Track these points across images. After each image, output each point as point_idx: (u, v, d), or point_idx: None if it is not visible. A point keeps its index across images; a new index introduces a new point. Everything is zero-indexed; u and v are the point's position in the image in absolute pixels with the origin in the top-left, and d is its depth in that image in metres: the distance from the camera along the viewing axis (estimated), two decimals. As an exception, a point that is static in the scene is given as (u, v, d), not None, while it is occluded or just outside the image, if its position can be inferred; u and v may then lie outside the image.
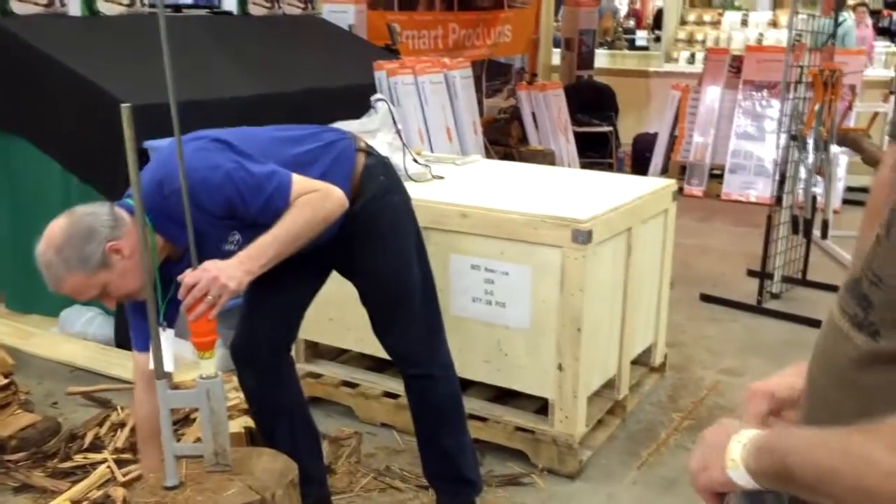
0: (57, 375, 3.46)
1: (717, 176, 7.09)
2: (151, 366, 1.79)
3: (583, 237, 2.59)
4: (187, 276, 1.78)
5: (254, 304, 2.28)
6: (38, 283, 3.87)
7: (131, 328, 2.09)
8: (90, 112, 3.53)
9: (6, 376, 2.90)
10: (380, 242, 2.22)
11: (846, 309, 0.90)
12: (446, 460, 2.43)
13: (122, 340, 3.59)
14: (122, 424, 2.99)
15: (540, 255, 2.68)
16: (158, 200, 1.87)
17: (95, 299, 1.95)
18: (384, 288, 2.26)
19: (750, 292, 4.47)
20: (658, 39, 11.11)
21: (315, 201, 1.94)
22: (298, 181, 1.96)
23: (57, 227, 1.89)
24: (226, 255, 1.93)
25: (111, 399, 3.21)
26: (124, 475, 2.65)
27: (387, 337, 2.34)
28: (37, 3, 4.03)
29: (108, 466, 2.71)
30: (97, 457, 2.79)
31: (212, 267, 1.79)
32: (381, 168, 2.23)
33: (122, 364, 3.45)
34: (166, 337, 1.90)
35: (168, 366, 1.85)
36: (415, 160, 3.17)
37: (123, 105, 1.71)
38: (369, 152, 2.23)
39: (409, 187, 3.00)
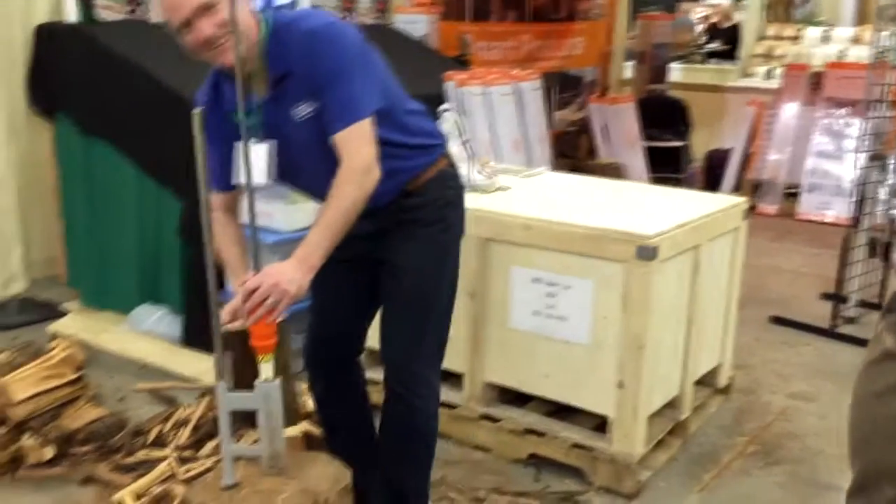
0: (126, 371, 3.55)
1: (791, 195, 6.89)
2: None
3: (648, 253, 2.54)
4: (249, 281, 1.81)
5: (319, 313, 2.29)
6: (111, 280, 4.02)
7: (209, 168, 1.97)
8: (168, 117, 3.62)
9: (77, 370, 2.98)
10: (423, 241, 2.15)
11: None
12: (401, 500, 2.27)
13: (190, 339, 3.68)
14: (186, 422, 3.04)
15: (603, 270, 2.64)
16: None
17: (189, 24, 1.86)
18: (411, 284, 2.13)
19: (823, 316, 4.33)
20: (722, 55, 10.74)
21: (356, 178, 1.90)
22: (365, 127, 1.92)
23: None
24: (293, 123, 1.96)
25: (176, 397, 3.28)
26: (185, 472, 2.69)
27: (392, 342, 2.16)
28: (121, 10, 4.16)
29: (170, 463, 2.76)
30: (160, 453, 2.84)
31: (272, 272, 1.81)
32: (453, 181, 2.21)
33: (189, 363, 3.53)
34: (259, 150, 1.94)
35: (260, 177, 1.92)
36: (480, 171, 3.16)
37: (195, 110, 1.75)
38: (452, 164, 2.23)
39: (473, 198, 3.01)
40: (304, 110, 1.96)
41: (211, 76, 2.05)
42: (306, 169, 2.04)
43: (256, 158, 1.91)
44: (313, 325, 2.31)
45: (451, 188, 2.20)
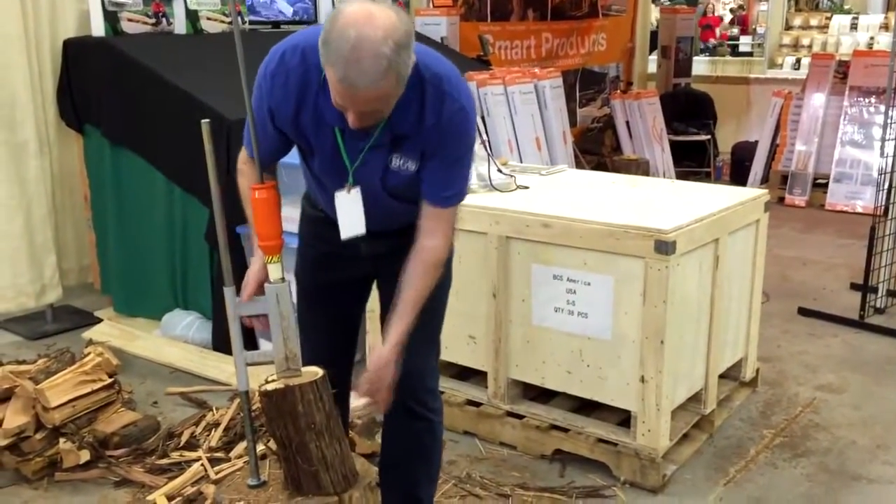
0: (158, 376, 3.62)
1: (820, 185, 6.83)
2: None
3: (666, 248, 2.55)
4: (362, 382, 1.90)
5: (309, 325, 2.15)
6: (143, 287, 4.10)
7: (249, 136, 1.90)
8: (192, 125, 3.69)
9: (110, 376, 3.06)
10: None
11: None
12: None
13: (219, 344, 3.74)
14: (217, 424, 3.11)
15: (622, 266, 2.66)
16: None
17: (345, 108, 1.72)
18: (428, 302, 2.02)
19: (852, 307, 4.29)
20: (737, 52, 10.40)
21: (434, 273, 1.94)
22: (456, 212, 1.98)
23: (397, 20, 1.65)
24: (384, 167, 1.90)
25: (207, 400, 3.35)
26: (217, 473, 2.76)
27: (408, 360, 1.99)
28: (145, 23, 4.25)
29: (202, 464, 2.83)
30: (192, 455, 2.91)
31: (379, 364, 1.88)
32: None
33: (219, 367, 3.60)
34: (354, 198, 1.92)
35: (359, 228, 1.92)
36: (499, 170, 3.19)
37: (203, 121, 1.80)
38: None
39: (493, 197, 3.04)
40: (405, 164, 1.90)
41: (299, 72, 1.83)
42: (365, 204, 1.99)
43: (356, 205, 1.92)
44: (307, 339, 2.09)
45: None
